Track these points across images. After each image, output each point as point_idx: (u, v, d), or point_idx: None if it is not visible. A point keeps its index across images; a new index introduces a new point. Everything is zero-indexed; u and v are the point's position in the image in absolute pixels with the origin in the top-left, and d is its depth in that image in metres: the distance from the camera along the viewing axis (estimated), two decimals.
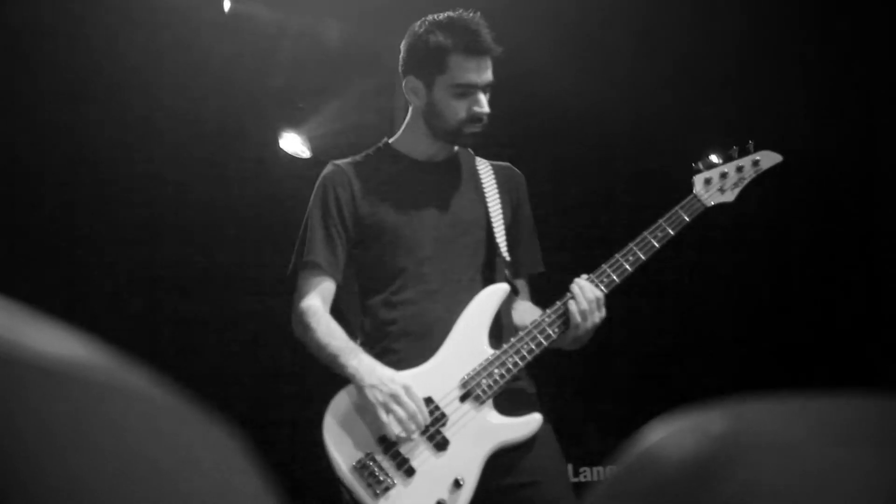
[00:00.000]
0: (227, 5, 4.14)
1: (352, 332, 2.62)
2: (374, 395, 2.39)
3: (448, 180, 2.68)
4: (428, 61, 2.55)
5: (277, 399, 4.23)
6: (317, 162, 3.15)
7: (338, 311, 2.66)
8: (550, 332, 2.52)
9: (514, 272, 2.68)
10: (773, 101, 4.17)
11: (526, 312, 2.67)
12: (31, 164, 4.04)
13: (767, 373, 4.23)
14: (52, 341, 0.49)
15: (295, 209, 2.72)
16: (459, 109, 2.54)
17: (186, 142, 4.23)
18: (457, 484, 2.41)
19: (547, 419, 2.58)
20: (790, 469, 0.50)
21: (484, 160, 2.76)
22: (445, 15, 2.58)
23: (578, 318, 2.49)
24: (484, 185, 2.69)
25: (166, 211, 4.26)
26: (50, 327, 0.50)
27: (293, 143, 4.45)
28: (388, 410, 2.39)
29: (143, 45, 4.02)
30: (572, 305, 2.50)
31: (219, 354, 4.28)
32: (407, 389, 2.40)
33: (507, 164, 2.82)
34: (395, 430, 2.40)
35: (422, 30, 2.58)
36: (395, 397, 2.39)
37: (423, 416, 2.41)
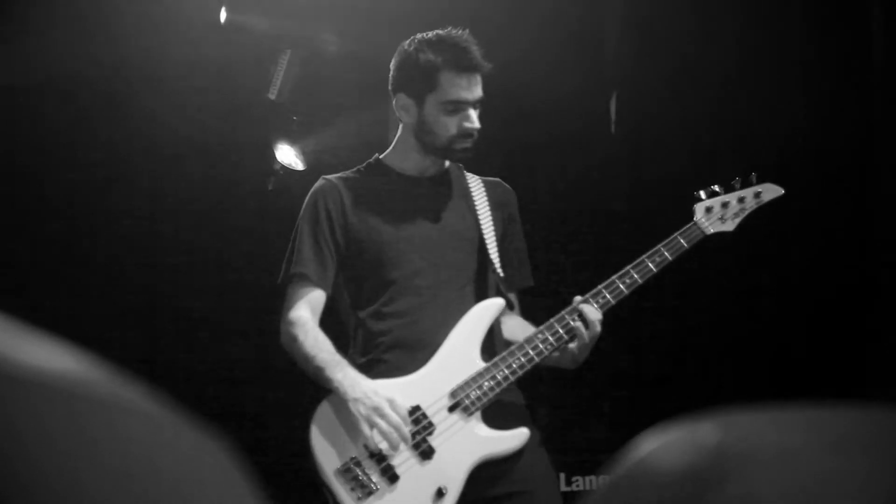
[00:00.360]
0: (222, 16, 4.15)
1: (347, 344, 2.63)
2: (358, 409, 2.41)
3: (439, 195, 2.70)
4: (418, 79, 2.57)
5: (269, 406, 4.22)
6: (310, 174, 3.16)
7: (336, 322, 2.67)
8: (543, 348, 2.53)
9: (505, 286, 2.69)
10: (774, 111, 4.18)
11: (517, 327, 2.69)
12: (28, 176, 4.04)
13: (762, 383, 4.23)
14: (52, 358, 0.49)
15: (287, 221, 2.73)
16: (450, 125, 2.57)
17: (181, 152, 4.23)
18: (440, 493, 2.42)
19: (537, 430, 2.59)
20: (785, 479, 0.50)
21: (475, 176, 2.79)
22: (435, 33, 2.60)
23: (577, 352, 2.53)
24: (475, 201, 2.71)
25: (163, 220, 4.25)
26: (49, 344, 0.50)
27: (287, 155, 4.45)
28: (372, 424, 2.39)
29: (138, 54, 4.02)
30: (574, 345, 2.52)
31: (211, 361, 4.28)
32: (391, 402, 2.41)
33: (498, 179, 2.84)
34: (377, 443, 2.41)
35: (411, 48, 2.60)
36: (377, 410, 2.40)
37: (408, 430, 2.42)
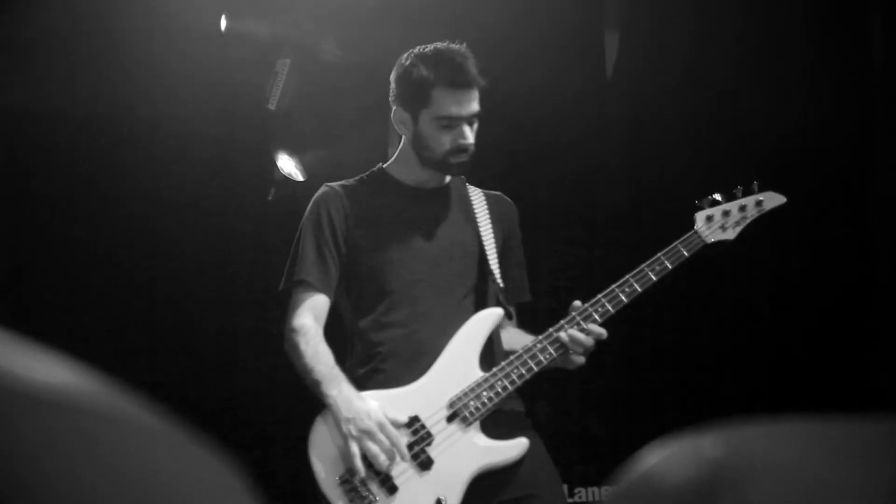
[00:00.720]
0: (223, 24, 4.15)
1: (348, 353, 2.63)
2: (348, 429, 2.40)
3: (439, 206, 2.71)
4: (413, 94, 2.58)
5: (270, 415, 4.22)
6: (311, 184, 3.16)
7: (340, 330, 2.66)
8: (542, 358, 2.52)
9: (505, 297, 2.70)
10: (774, 111, 4.17)
11: (515, 338, 2.68)
12: (27, 185, 4.05)
13: (763, 389, 4.22)
14: (52, 372, 0.49)
15: (289, 230, 2.74)
16: (444, 141, 2.57)
17: (180, 161, 4.23)
18: (438, 503, 2.41)
19: (538, 436, 2.59)
20: (784, 491, 0.50)
21: (476, 188, 2.79)
22: (432, 47, 2.60)
23: (581, 360, 2.53)
24: (476, 213, 2.72)
25: (163, 230, 4.26)
26: (49, 358, 0.50)
27: (287, 165, 4.45)
28: (361, 447, 2.39)
29: (137, 62, 4.03)
30: (576, 357, 2.52)
31: (213, 369, 4.28)
32: (382, 426, 2.41)
33: (499, 193, 2.84)
34: (360, 466, 2.40)
35: (407, 63, 2.60)
36: (368, 434, 2.40)
37: (400, 453, 2.42)
